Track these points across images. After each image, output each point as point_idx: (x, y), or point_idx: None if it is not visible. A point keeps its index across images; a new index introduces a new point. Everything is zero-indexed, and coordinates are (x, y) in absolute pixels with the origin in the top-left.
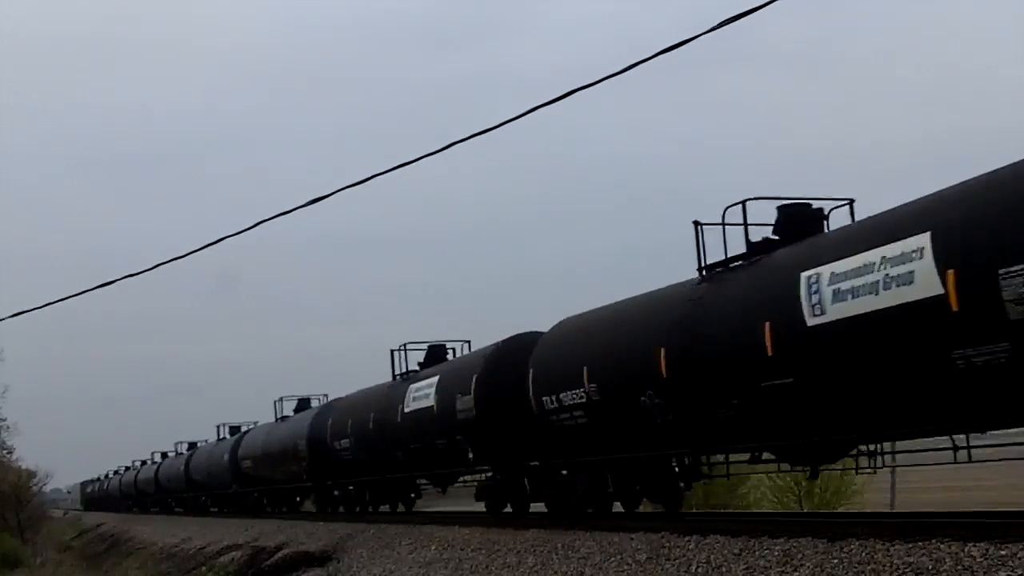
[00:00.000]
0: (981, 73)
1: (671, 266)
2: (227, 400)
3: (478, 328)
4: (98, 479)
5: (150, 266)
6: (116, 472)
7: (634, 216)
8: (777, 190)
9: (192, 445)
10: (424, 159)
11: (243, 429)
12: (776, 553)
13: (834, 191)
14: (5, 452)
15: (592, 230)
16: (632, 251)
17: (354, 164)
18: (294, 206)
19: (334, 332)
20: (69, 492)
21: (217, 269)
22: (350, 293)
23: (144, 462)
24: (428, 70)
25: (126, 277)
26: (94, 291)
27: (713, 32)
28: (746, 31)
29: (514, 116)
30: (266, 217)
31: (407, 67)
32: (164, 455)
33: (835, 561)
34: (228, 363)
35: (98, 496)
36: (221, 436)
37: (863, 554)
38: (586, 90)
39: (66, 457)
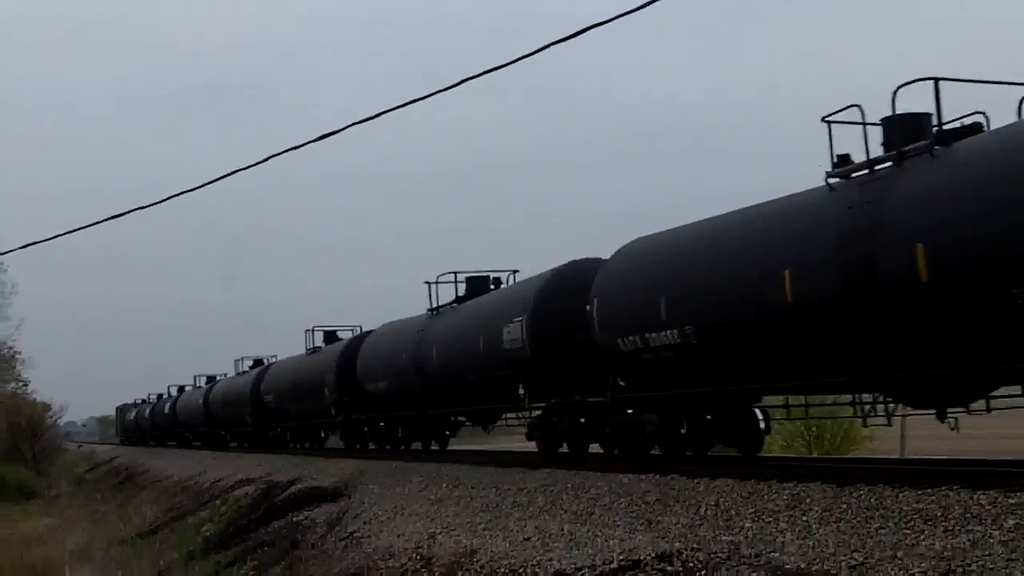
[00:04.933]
0: None
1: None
2: (245, 336)
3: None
4: (146, 401)
5: (161, 199)
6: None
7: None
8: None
9: (211, 379)
10: (437, 95)
11: (266, 363)
12: (785, 497)
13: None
14: (20, 385)
15: (629, 174)
16: (674, 195)
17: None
18: (305, 140)
19: (360, 271)
20: (84, 425)
21: (242, 205)
22: (374, 232)
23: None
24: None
25: (136, 210)
26: (112, 222)
27: None
28: None
29: (528, 53)
30: (278, 151)
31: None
32: (181, 388)
33: (843, 506)
34: (248, 299)
35: (159, 423)
36: (241, 370)
37: (872, 499)
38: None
39: (80, 390)
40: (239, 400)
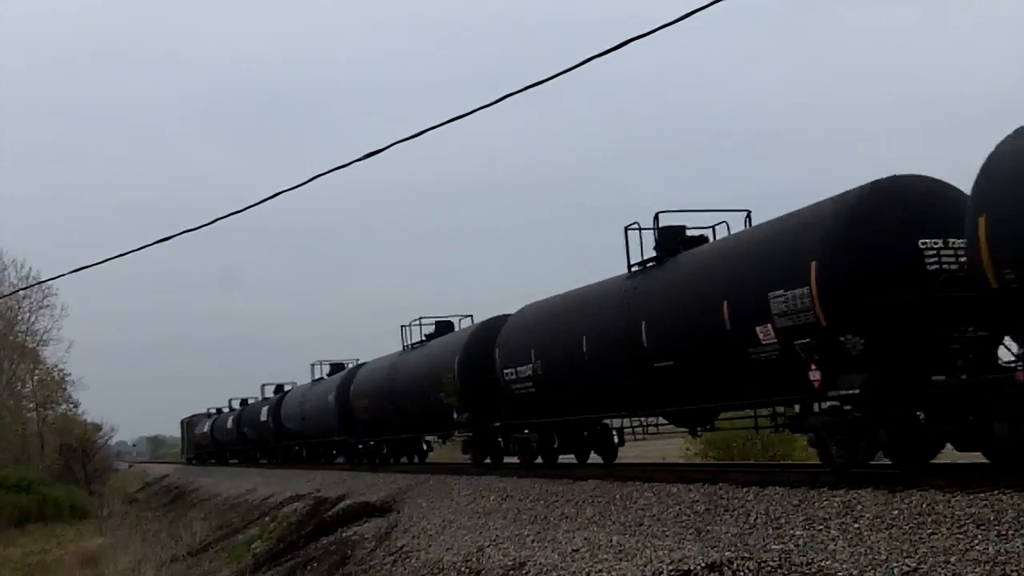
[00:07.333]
0: None
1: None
2: (295, 351)
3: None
4: (222, 410)
5: (208, 221)
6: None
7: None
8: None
9: (337, 367)
10: (474, 113)
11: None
12: (836, 504)
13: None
14: (71, 407)
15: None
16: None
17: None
18: (350, 160)
19: (400, 283)
20: (135, 445)
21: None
22: (419, 245)
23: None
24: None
25: (184, 232)
26: (160, 244)
27: None
28: None
29: (565, 69)
30: (321, 172)
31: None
32: (279, 388)
33: (895, 512)
34: (293, 315)
35: (248, 435)
36: (412, 342)
37: (923, 505)
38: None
39: (131, 411)
40: (424, 388)
